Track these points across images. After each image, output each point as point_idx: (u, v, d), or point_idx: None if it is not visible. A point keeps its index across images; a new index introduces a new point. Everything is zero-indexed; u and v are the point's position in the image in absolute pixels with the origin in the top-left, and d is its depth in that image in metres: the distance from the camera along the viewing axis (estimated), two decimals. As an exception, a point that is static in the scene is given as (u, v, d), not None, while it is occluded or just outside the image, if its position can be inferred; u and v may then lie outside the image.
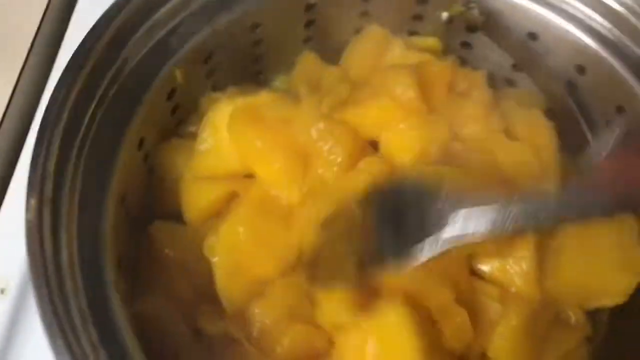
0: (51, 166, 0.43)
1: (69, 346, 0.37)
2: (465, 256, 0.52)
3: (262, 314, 0.49)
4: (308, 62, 0.63)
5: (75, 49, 0.47)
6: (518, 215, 0.42)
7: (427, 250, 0.44)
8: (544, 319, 0.52)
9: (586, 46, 0.57)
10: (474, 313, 0.50)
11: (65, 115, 0.45)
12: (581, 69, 0.58)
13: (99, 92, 0.48)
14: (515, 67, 0.63)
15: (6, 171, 0.69)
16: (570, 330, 0.53)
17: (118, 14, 0.49)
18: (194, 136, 0.57)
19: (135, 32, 0.51)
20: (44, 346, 0.57)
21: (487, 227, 0.42)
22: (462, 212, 0.43)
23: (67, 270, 0.41)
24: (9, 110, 0.71)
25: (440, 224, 0.44)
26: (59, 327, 0.37)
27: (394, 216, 0.47)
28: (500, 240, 0.51)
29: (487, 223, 0.42)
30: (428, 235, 0.44)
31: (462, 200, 0.44)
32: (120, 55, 0.50)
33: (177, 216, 0.56)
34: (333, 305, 0.48)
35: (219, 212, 0.54)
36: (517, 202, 0.42)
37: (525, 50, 0.61)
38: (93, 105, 0.48)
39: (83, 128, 0.47)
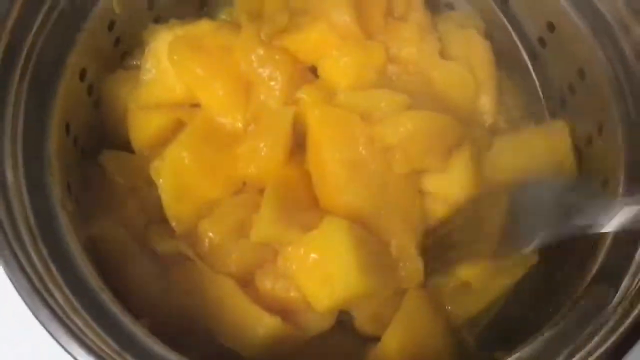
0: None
1: (17, 258, 0.39)
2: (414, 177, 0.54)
3: (211, 231, 0.52)
4: (250, -8, 0.63)
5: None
6: None
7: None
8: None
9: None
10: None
11: (4, 42, 0.46)
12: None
13: (39, 18, 0.49)
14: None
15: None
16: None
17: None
18: (138, 68, 0.59)
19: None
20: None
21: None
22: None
23: (14, 192, 0.43)
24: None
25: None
26: (5, 240, 0.39)
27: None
28: (439, 157, 0.54)
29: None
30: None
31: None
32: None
33: (126, 146, 0.57)
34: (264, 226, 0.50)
35: (165, 140, 0.56)
36: None
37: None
38: (33, 31, 0.48)
39: (24, 53, 0.48)
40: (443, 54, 0.61)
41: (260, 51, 0.55)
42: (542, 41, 0.60)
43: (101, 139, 0.58)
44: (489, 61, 0.61)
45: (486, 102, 0.59)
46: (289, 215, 0.51)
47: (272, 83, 0.55)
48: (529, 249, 0.48)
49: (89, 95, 0.55)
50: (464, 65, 0.59)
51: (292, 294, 0.51)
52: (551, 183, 0.52)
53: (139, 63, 0.59)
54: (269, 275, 0.52)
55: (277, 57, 0.55)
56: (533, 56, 0.62)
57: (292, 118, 0.54)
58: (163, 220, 0.54)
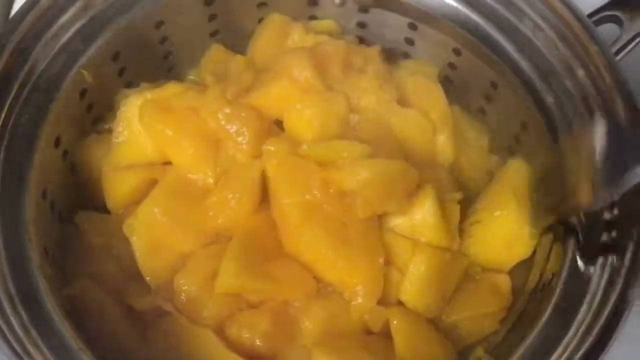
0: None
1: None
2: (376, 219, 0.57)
3: (186, 284, 0.54)
4: (215, 54, 0.67)
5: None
6: None
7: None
8: (456, 269, 0.58)
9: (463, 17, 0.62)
10: (390, 262, 0.56)
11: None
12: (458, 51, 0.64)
13: (12, 93, 0.52)
14: (407, 40, 0.69)
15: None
16: (497, 295, 0.57)
17: (21, 23, 0.52)
18: (111, 132, 0.61)
19: (40, 38, 0.54)
20: None
21: None
22: None
23: (-8, 260, 0.45)
24: None
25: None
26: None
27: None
28: (400, 200, 0.56)
29: None
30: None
31: None
32: (28, 59, 0.53)
33: (102, 207, 0.59)
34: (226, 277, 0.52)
35: (139, 199, 0.58)
36: None
37: (413, 27, 0.67)
38: (7, 105, 0.51)
39: (-2, 128, 0.50)
40: (400, 101, 0.64)
41: (227, 110, 0.58)
42: (493, 84, 0.64)
43: (77, 201, 0.60)
44: (443, 103, 0.65)
45: (444, 143, 0.63)
46: (253, 265, 0.53)
47: (240, 138, 0.58)
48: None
49: (63, 160, 0.58)
50: (420, 109, 0.62)
51: (257, 342, 0.52)
52: None
53: (111, 127, 0.62)
54: (234, 324, 0.53)
55: (243, 114, 0.58)
56: (487, 98, 0.66)
57: (259, 170, 0.56)
58: (139, 277, 0.56)
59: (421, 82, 0.65)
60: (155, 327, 0.53)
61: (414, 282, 0.55)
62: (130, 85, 0.64)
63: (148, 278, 0.55)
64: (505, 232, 0.57)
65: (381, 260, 0.54)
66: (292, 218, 0.54)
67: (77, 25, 0.57)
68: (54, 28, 0.55)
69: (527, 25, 0.59)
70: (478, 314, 0.56)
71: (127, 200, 0.58)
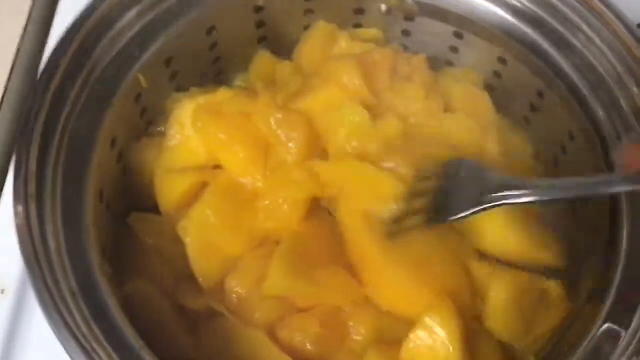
0: (32, 167, 0.48)
1: (64, 319, 0.42)
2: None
3: (237, 285, 0.54)
4: (262, 60, 0.68)
5: (46, 61, 0.52)
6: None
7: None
8: (532, 292, 0.57)
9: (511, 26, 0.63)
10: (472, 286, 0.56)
11: (41, 120, 0.50)
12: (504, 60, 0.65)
13: (71, 98, 0.53)
14: (452, 49, 0.69)
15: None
16: (554, 306, 0.57)
17: (81, 28, 0.54)
18: (161, 135, 0.63)
19: (99, 42, 0.56)
20: (45, 343, 0.61)
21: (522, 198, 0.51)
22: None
23: (56, 258, 0.46)
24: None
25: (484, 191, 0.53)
26: (52, 302, 0.42)
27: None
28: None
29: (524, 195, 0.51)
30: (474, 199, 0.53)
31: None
32: (86, 64, 0.55)
33: (153, 208, 0.61)
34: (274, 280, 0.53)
35: (190, 201, 0.59)
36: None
37: (459, 35, 0.67)
38: (66, 111, 0.52)
39: (58, 131, 0.51)
40: (446, 109, 0.65)
41: (278, 114, 0.59)
42: (539, 93, 0.64)
43: (129, 202, 0.61)
44: (490, 110, 0.66)
45: (492, 151, 0.63)
46: (300, 269, 0.54)
47: (290, 144, 0.59)
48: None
49: (118, 162, 0.59)
50: (469, 114, 0.63)
51: (308, 346, 0.53)
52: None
53: (162, 130, 0.63)
54: (285, 327, 0.54)
55: (294, 118, 0.59)
56: (532, 107, 0.66)
57: (310, 179, 0.57)
58: (191, 277, 0.57)
59: (467, 90, 0.66)
60: (207, 327, 0.54)
61: (498, 308, 0.55)
62: (180, 89, 0.65)
63: (200, 279, 0.56)
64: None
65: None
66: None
67: (133, 31, 0.58)
68: (111, 33, 0.56)
69: (578, 37, 0.59)
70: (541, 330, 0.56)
71: (178, 202, 0.59)
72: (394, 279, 0.54)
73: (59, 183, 0.50)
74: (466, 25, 0.65)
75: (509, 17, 0.62)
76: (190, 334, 0.54)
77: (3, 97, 0.78)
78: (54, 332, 0.42)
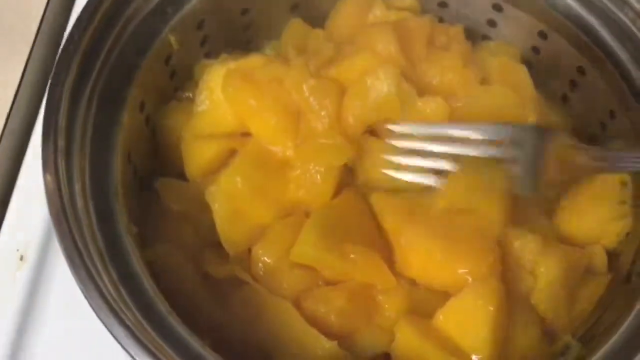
0: (62, 124, 0.47)
1: (93, 280, 0.41)
2: None
3: (265, 254, 0.53)
4: (295, 27, 0.66)
5: (77, 16, 0.51)
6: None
7: None
8: (579, 268, 0.56)
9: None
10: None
11: (71, 79, 0.49)
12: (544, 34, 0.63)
13: (101, 57, 0.52)
14: (489, 22, 0.67)
15: (19, 148, 0.73)
16: (597, 277, 0.56)
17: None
18: (190, 100, 0.61)
19: (131, 1, 0.54)
20: (64, 310, 0.61)
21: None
22: None
23: (84, 217, 0.45)
24: (21, 88, 0.75)
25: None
26: (81, 260, 0.41)
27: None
28: None
29: None
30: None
31: None
32: (119, 20, 0.53)
33: (180, 174, 0.59)
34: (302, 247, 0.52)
35: (217, 168, 0.58)
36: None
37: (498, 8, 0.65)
38: (96, 69, 0.51)
39: (88, 91, 0.50)
40: (483, 81, 0.63)
41: (311, 82, 0.57)
42: (580, 70, 0.62)
43: (155, 167, 0.60)
44: (529, 84, 0.63)
45: (532, 120, 0.60)
46: (331, 240, 0.53)
47: (322, 112, 0.57)
48: None
49: (146, 125, 0.58)
50: (508, 86, 0.61)
51: (332, 318, 0.52)
52: None
53: (191, 95, 0.62)
54: (309, 298, 0.53)
55: (327, 85, 0.57)
56: (572, 84, 0.64)
57: (345, 151, 0.55)
58: (216, 245, 0.56)
59: (506, 63, 0.64)
60: (232, 295, 0.53)
61: (547, 285, 0.53)
62: (209, 55, 0.64)
63: (227, 246, 0.54)
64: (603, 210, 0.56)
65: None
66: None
67: (168, -13, 0.57)
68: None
69: (625, 11, 0.57)
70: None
71: (206, 168, 0.58)
72: (423, 251, 0.53)
73: (87, 141, 0.49)
74: (508, -4, 0.63)
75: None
76: (215, 301, 0.52)
77: (29, 56, 0.78)
78: (83, 293, 0.41)
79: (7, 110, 0.75)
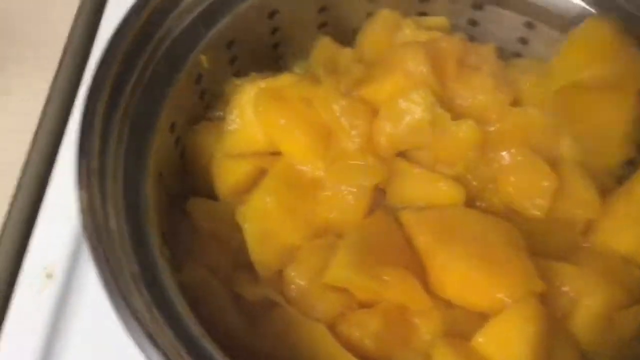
0: (95, 147, 0.47)
1: (127, 302, 0.40)
2: None
3: (297, 276, 0.52)
4: (324, 46, 0.66)
5: (109, 36, 0.51)
6: None
7: None
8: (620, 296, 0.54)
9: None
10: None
11: (104, 99, 0.49)
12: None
13: (133, 77, 0.52)
14: (520, 40, 0.66)
15: (46, 166, 0.73)
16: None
17: (147, 5, 0.52)
18: (220, 119, 0.61)
19: (164, 21, 0.54)
20: (92, 328, 0.61)
21: None
22: None
23: (117, 239, 0.45)
24: (48, 105, 0.76)
25: None
26: (116, 285, 0.41)
27: None
28: None
29: None
30: None
31: None
32: (151, 42, 0.53)
33: (209, 194, 0.59)
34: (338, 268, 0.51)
35: (247, 187, 0.57)
36: None
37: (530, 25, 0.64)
38: (128, 90, 0.51)
39: (120, 111, 0.50)
40: (514, 101, 0.62)
41: (342, 102, 0.57)
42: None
43: (184, 187, 0.60)
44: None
45: (567, 152, 0.59)
46: (365, 262, 0.51)
47: (353, 132, 0.57)
48: None
49: (176, 145, 0.58)
50: (539, 109, 0.60)
51: (367, 342, 0.51)
52: None
53: (221, 114, 0.62)
54: (344, 322, 0.52)
55: (358, 106, 0.57)
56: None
57: (378, 172, 0.55)
58: (246, 266, 0.55)
59: (537, 82, 0.62)
60: (264, 317, 0.52)
61: (589, 317, 0.52)
62: (238, 74, 0.64)
63: (258, 268, 0.54)
64: None
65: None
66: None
67: (199, 8, 0.56)
68: (177, 10, 0.55)
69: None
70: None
71: (236, 188, 0.58)
72: (460, 274, 0.52)
73: (120, 162, 0.49)
74: (541, 15, 0.62)
75: (589, 7, 0.59)
76: (248, 323, 0.52)
77: (57, 73, 0.79)
78: (117, 315, 0.40)
79: (34, 127, 0.76)
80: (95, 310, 0.63)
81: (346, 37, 0.68)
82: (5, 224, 0.68)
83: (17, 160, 0.72)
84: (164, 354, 0.39)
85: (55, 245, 0.66)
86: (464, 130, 0.57)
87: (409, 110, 0.56)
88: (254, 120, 0.58)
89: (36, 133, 0.76)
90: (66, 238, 0.66)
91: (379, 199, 0.57)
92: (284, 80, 0.59)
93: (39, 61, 0.79)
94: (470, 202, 0.58)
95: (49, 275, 0.64)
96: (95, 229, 0.43)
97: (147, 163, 0.51)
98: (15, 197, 0.70)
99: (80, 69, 0.79)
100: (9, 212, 0.69)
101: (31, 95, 0.76)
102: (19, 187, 0.71)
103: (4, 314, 0.63)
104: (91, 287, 0.64)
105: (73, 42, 0.83)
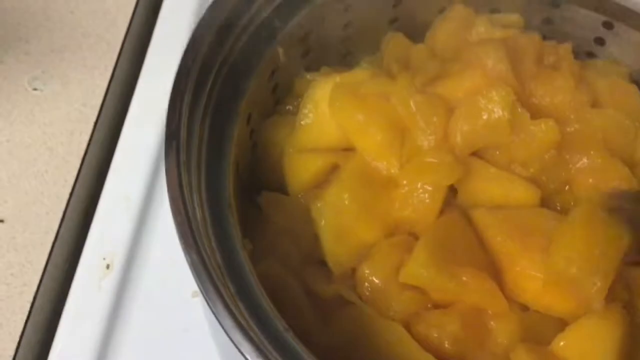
0: (183, 139, 0.47)
1: (219, 292, 0.40)
2: None
3: (372, 274, 0.52)
4: (396, 42, 0.65)
5: (193, 30, 0.51)
6: None
7: None
8: None
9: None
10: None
11: (190, 92, 0.49)
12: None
13: (214, 70, 0.51)
14: (597, 40, 0.65)
15: (105, 158, 0.74)
16: None
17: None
18: (290, 114, 0.61)
19: (243, 14, 0.54)
20: (149, 318, 0.61)
21: None
22: None
23: (202, 229, 0.45)
24: (107, 97, 0.76)
25: None
26: (207, 274, 0.41)
27: None
28: None
29: None
30: None
31: None
32: (231, 36, 0.53)
33: (278, 188, 0.59)
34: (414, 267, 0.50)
35: (319, 183, 0.57)
36: None
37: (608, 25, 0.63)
38: (209, 83, 0.51)
39: (203, 104, 0.50)
40: (594, 103, 0.60)
41: (419, 97, 0.56)
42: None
43: (255, 181, 0.59)
44: (638, 106, 0.61)
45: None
46: (442, 261, 0.51)
47: (429, 129, 0.56)
48: None
49: (250, 138, 0.58)
50: (621, 110, 0.58)
51: (446, 344, 0.50)
52: None
53: (291, 108, 0.61)
54: (422, 322, 0.51)
55: (434, 102, 0.56)
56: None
57: (454, 170, 0.54)
58: (319, 262, 0.55)
59: (616, 83, 0.61)
60: (338, 315, 0.52)
61: None
62: (309, 68, 0.63)
63: (331, 264, 0.53)
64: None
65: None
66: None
67: (276, 3, 0.56)
68: (255, 5, 0.55)
69: None
70: None
71: (309, 183, 0.57)
72: (541, 280, 0.50)
73: (203, 154, 0.49)
74: (620, 14, 0.61)
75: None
76: (321, 320, 0.51)
77: (116, 66, 0.80)
78: (210, 306, 0.40)
79: (94, 117, 0.77)
80: (153, 300, 0.63)
81: (416, 33, 0.67)
82: (64, 215, 0.69)
83: (77, 151, 0.73)
84: (255, 345, 0.39)
85: (114, 236, 0.66)
86: (544, 130, 0.55)
87: (487, 108, 0.55)
88: (328, 115, 0.57)
89: (95, 123, 0.77)
90: (125, 229, 0.67)
91: (450, 198, 0.56)
92: (359, 75, 0.58)
93: (99, 52, 0.80)
94: (544, 204, 0.56)
95: (108, 266, 0.65)
96: (185, 217, 0.42)
97: (228, 155, 0.51)
98: (74, 187, 0.71)
99: (139, 60, 0.79)
100: (68, 202, 0.70)
101: (90, 86, 0.77)
102: (78, 177, 0.72)
103: (63, 304, 0.63)
104: (150, 277, 0.65)
105: (131, 33, 0.83)
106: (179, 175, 0.44)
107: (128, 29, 0.83)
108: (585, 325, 0.49)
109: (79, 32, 0.81)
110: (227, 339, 0.39)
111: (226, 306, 0.40)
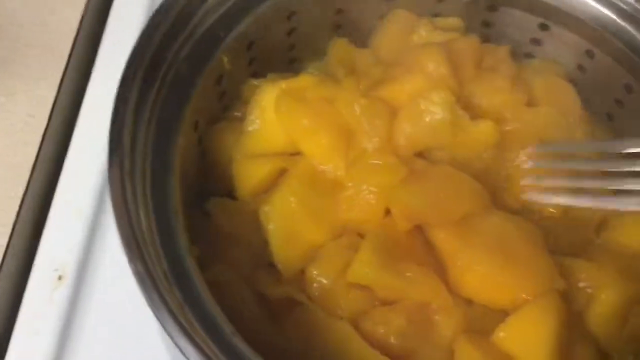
0: (127, 147, 0.47)
1: (164, 300, 0.41)
2: None
3: (320, 275, 0.53)
4: (341, 47, 0.67)
5: (137, 38, 0.51)
6: None
7: None
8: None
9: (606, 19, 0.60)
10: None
11: (133, 100, 0.49)
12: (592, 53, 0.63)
13: (159, 77, 0.52)
14: (533, 41, 0.67)
15: (55, 168, 0.73)
16: None
17: (173, 5, 0.53)
18: (238, 120, 0.61)
19: (187, 23, 0.55)
20: (102, 329, 0.61)
21: None
22: None
23: (148, 238, 0.45)
24: (56, 107, 0.76)
25: None
26: (152, 283, 0.41)
27: None
28: None
29: None
30: None
31: None
32: (174, 44, 0.54)
33: (227, 193, 0.59)
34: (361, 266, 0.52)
35: (267, 188, 0.58)
36: None
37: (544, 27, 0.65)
38: (155, 89, 0.51)
39: (148, 111, 0.50)
40: (530, 101, 0.63)
41: (363, 101, 0.57)
42: (627, 87, 0.62)
43: (203, 187, 0.60)
44: (577, 104, 0.63)
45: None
46: (387, 260, 0.52)
47: (373, 132, 0.57)
48: None
49: (198, 145, 0.58)
50: (556, 108, 0.61)
51: (392, 339, 0.51)
52: None
53: (238, 115, 0.62)
54: (368, 320, 0.52)
55: (378, 105, 0.58)
56: (617, 102, 0.64)
57: (398, 171, 0.55)
58: (267, 265, 0.55)
59: (552, 82, 0.64)
60: (288, 316, 0.53)
61: (605, 314, 0.53)
62: (255, 75, 0.64)
63: (281, 267, 0.54)
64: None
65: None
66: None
67: (220, 11, 0.57)
68: (200, 13, 0.55)
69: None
70: None
71: (256, 188, 0.58)
72: (482, 274, 0.52)
73: (148, 161, 0.49)
74: (555, 16, 0.63)
75: (603, 9, 0.60)
76: (272, 323, 0.52)
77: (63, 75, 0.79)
78: (155, 314, 0.40)
79: (41, 129, 0.76)
80: (107, 311, 0.63)
81: (360, 38, 0.68)
82: (15, 225, 0.68)
83: (25, 162, 0.72)
84: (200, 349, 0.39)
85: (66, 248, 0.66)
86: (483, 131, 0.58)
87: (429, 110, 0.57)
88: (275, 121, 0.58)
89: (44, 134, 0.76)
90: (77, 239, 0.66)
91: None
92: (304, 80, 0.59)
93: (45, 63, 0.79)
94: (487, 201, 0.58)
95: (60, 277, 0.65)
96: (130, 229, 0.43)
97: (174, 162, 0.51)
98: (24, 198, 0.70)
99: (87, 71, 0.79)
100: (19, 213, 0.69)
101: (37, 97, 0.76)
102: (27, 188, 0.71)
103: (16, 315, 0.63)
104: (102, 287, 0.65)
105: (78, 45, 0.83)
106: (123, 184, 0.44)
107: (75, 39, 0.82)
108: (523, 316, 0.51)
109: (21, 43, 0.81)
110: (174, 345, 0.40)
111: (170, 312, 0.40)
